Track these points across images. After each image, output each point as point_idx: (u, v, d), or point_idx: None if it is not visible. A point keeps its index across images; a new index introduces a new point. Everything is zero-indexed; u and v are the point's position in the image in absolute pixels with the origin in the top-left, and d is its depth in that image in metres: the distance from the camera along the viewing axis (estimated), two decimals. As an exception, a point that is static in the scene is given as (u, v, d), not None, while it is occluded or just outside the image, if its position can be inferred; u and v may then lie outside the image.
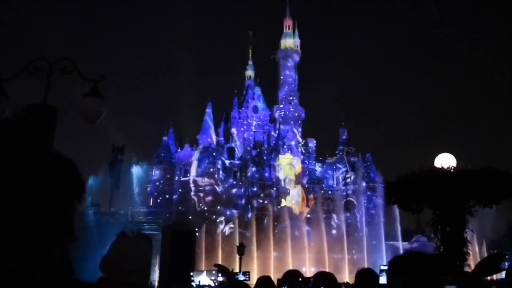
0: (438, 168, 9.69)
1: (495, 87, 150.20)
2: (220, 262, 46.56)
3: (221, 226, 63.58)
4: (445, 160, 9.79)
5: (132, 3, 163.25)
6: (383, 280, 6.21)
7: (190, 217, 65.04)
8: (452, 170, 9.54)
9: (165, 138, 75.60)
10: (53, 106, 6.50)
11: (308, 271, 48.49)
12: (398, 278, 2.15)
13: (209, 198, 68.62)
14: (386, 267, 6.88)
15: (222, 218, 65.92)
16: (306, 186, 73.35)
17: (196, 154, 72.83)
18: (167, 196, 71.69)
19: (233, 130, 79.85)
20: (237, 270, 19.78)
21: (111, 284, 2.19)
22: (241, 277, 9.74)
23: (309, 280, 3.78)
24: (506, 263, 3.01)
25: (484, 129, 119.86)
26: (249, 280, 9.15)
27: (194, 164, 72.10)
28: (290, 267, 48.58)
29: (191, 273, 4.82)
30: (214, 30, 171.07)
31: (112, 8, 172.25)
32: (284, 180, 72.43)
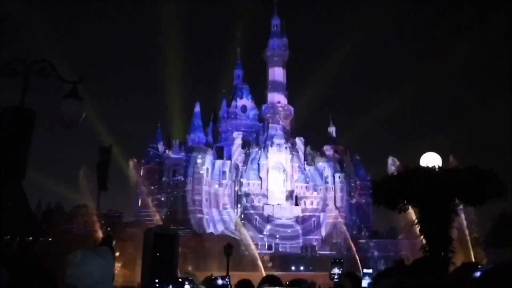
0: (423, 167, 9.63)
1: (479, 88, 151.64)
2: (208, 264, 46.19)
3: (210, 226, 63.39)
4: (430, 160, 9.73)
5: (119, 4, 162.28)
6: (365, 283, 6.18)
7: (179, 217, 64.79)
8: (437, 170, 9.48)
9: (153, 139, 75.18)
10: (31, 109, 6.33)
11: (297, 270, 48.54)
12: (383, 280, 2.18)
13: (198, 197, 68.43)
14: (369, 271, 6.78)
15: (211, 218, 65.73)
16: (295, 184, 73.39)
17: (184, 154, 72.54)
18: (158, 196, 71.40)
19: (222, 129, 79.67)
20: (225, 270, 19.64)
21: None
22: (219, 282, 9.47)
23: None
24: (479, 273, 2.97)
25: (470, 129, 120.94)
26: (229, 283, 8.88)
27: (183, 164, 71.83)
28: (280, 267, 48.57)
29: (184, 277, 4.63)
30: (202, 30, 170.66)
31: (99, 9, 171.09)
32: (273, 178, 72.43)
